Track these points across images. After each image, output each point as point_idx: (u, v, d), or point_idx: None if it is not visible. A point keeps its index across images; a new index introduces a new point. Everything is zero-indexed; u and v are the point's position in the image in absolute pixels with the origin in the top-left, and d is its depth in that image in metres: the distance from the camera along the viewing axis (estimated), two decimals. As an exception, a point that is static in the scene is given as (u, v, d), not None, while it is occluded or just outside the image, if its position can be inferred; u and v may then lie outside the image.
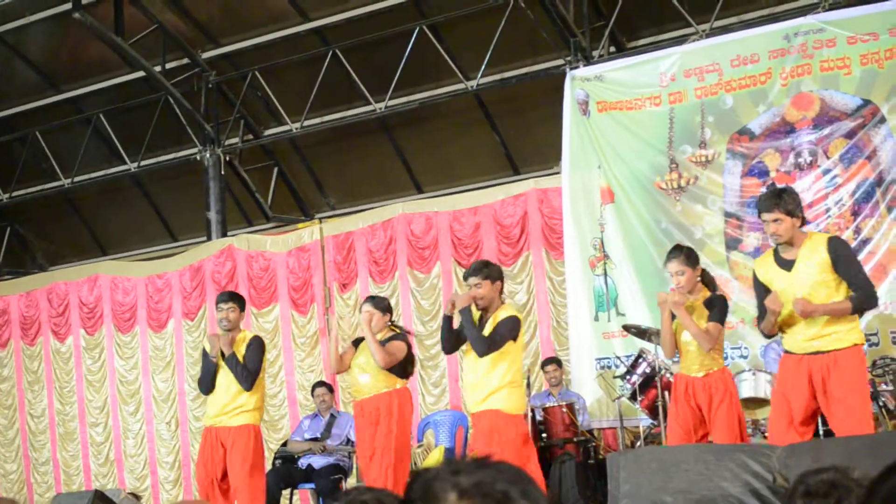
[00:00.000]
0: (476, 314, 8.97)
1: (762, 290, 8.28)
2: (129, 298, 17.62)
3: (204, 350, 10.22)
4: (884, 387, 10.19)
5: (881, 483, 2.22)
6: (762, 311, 8.21)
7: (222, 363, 9.96)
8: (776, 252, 8.26)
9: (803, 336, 7.97)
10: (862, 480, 3.08)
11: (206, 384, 10.04)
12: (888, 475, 2.22)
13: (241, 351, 9.96)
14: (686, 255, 8.96)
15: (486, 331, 8.87)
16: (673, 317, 8.89)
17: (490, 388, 8.94)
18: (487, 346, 8.81)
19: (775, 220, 7.98)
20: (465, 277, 9.13)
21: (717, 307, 8.91)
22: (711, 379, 8.88)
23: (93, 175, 18.90)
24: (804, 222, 8.07)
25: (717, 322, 8.83)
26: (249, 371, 9.88)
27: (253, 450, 9.90)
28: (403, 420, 9.87)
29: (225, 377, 9.96)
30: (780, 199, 7.97)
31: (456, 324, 9.07)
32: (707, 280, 9.13)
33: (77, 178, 18.64)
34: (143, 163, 18.06)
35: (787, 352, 8.20)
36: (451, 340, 9.23)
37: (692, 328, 8.72)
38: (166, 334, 17.22)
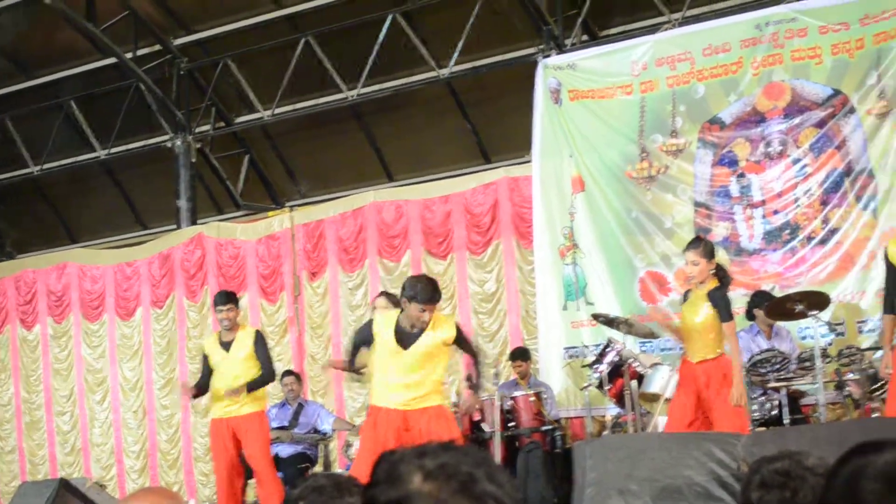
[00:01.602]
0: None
1: (890, 269, 8.82)
2: (98, 286, 17.54)
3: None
4: (850, 376, 10.23)
5: (843, 464, 2.22)
6: (889, 290, 8.83)
7: (226, 355, 10.57)
8: None
9: None
10: (816, 468, 3.07)
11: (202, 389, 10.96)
12: (848, 458, 2.22)
13: (248, 346, 10.57)
14: (704, 246, 9.39)
15: (432, 342, 9.02)
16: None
17: (432, 386, 9.17)
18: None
19: None
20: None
21: (722, 305, 9.32)
22: (709, 365, 9.23)
23: (63, 162, 18.78)
24: None
25: (728, 321, 9.31)
26: (267, 370, 10.68)
27: (267, 434, 10.78)
28: None
29: (228, 371, 10.56)
30: None
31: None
32: (721, 275, 9.47)
33: (46, 166, 18.52)
34: (113, 150, 17.96)
35: None
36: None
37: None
38: (134, 323, 17.15)
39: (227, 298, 10.78)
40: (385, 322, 9.13)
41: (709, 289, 9.32)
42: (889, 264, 8.94)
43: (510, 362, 13.01)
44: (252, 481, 11.23)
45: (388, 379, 9.09)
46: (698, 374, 9.33)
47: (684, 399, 9.46)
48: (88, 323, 17.55)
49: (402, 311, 9.01)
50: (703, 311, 9.33)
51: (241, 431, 10.55)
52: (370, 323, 9.36)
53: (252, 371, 10.60)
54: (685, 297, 9.70)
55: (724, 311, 9.29)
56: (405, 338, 9.01)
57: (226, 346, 10.64)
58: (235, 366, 10.59)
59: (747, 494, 3.20)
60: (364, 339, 9.33)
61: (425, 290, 8.89)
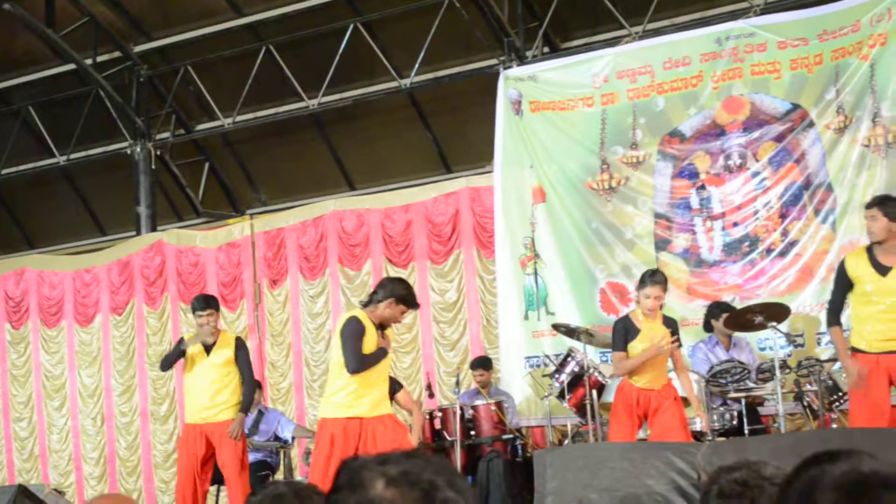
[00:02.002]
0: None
1: (846, 282, 9.15)
2: (56, 292, 17.46)
3: (181, 339, 11.02)
4: (808, 387, 10.31)
5: (797, 475, 2.25)
6: (838, 302, 9.23)
7: (202, 359, 10.61)
8: (870, 251, 8.84)
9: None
10: (774, 477, 3.09)
11: (167, 365, 10.96)
12: (803, 469, 2.25)
13: (228, 352, 10.66)
14: (665, 281, 9.84)
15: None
16: None
17: (385, 395, 9.36)
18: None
19: (871, 217, 8.68)
20: None
21: (678, 331, 9.91)
22: (665, 389, 9.71)
23: (21, 168, 18.69)
24: None
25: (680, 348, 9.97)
26: (248, 378, 10.83)
27: (242, 445, 10.69)
28: None
29: (205, 376, 10.61)
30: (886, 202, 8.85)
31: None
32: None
33: (5, 171, 18.42)
34: (72, 156, 17.88)
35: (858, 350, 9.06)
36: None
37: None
38: (93, 329, 17.08)
39: (207, 303, 10.75)
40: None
41: (659, 317, 9.84)
42: (844, 276, 9.11)
43: (471, 371, 13.02)
44: (215, 489, 11.25)
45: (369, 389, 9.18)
46: (650, 399, 9.63)
47: (628, 423, 9.71)
48: (47, 329, 17.46)
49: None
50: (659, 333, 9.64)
51: (216, 437, 10.56)
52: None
53: (229, 377, 10.64)
54: (633, 331, 9.80)
55: (677, 339, 9.88)
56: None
57: (206, 349, 10.64)
58: (213, 371, 10.63)
59: None
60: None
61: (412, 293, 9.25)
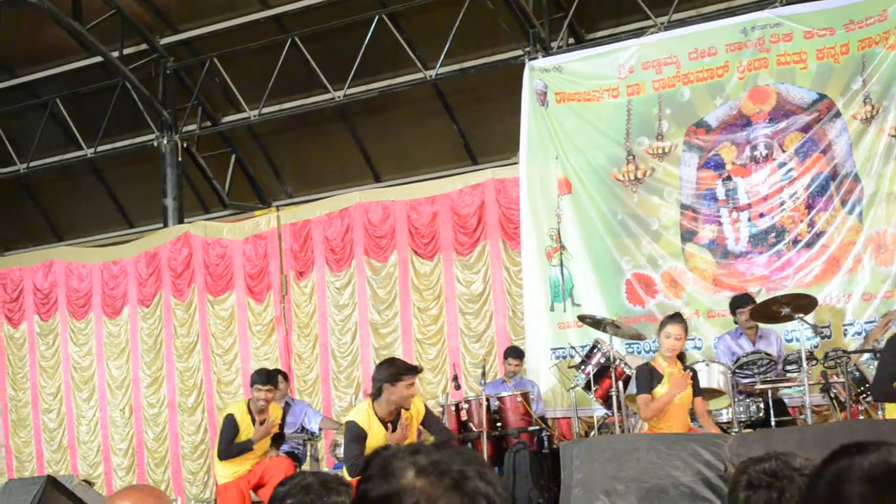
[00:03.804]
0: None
1: None
2: (84, 284, 17.53)
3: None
4: (835, 378, 10.29)
5: (826, 466, 2.25)
6: None
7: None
8: None
9: None
10: (804, 468, 3.08)
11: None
12: (832, 460, 2.25)
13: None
14: (686, 324, 9.82)
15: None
16: None
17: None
18: None
19: None
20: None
21: (698, 381, 9.81)
22: None
23: (48, 160, 18.77)
24: None
25: (700, 395, 9.79)
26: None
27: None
28: None
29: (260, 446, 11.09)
30: None
31: None
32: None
33: (33, 164, 18.52)
34: (99, 149, 17.95)
35: None
36: None
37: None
38: (121, 321, 17.14)
39: (269, 380, 11.03)
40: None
41: (679, 366, 9.73)
42: None
43: (506, 359, 13.00)
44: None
45: None
46: None
47: None
48: (75, 321, 17.54)
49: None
50: (687, 389, 9.63)
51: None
52: None
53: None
54: (658, 376, 9.65)
55: (697, 387, 9.76)
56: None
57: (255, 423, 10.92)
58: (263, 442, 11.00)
59: (734, 495, 3.21)
60: None
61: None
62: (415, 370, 9.04)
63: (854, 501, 2.15)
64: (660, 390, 9.50)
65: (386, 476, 2.05)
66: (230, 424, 10.73)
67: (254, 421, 10.75)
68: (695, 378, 9.69)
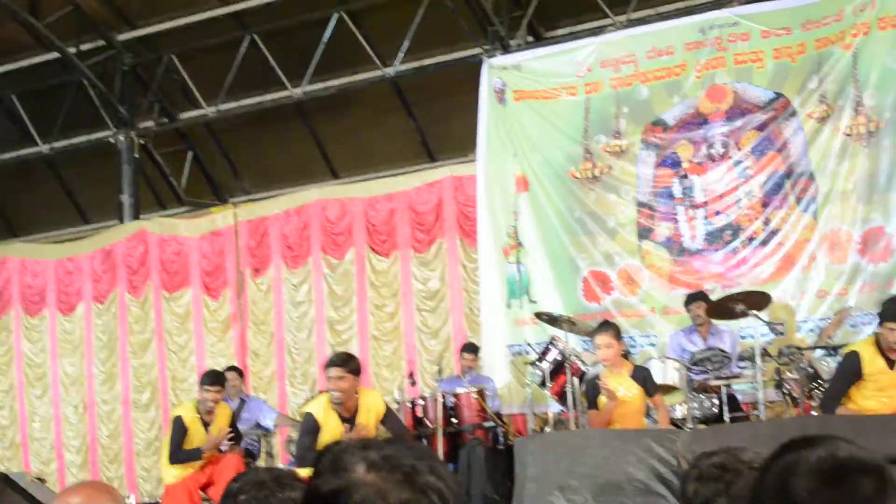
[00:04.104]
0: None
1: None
2: (39, 281, 17.42)
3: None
4: (789, 375, 10.35)
5: (775, 460, 2.27)
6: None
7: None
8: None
9: None
10: (753, 462, 3.12)
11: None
12: (782, 453, 2.27)
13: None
14: (615, 330, 9.62)
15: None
16: None
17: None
18: None
19: None
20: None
21: (651, 380, 9.67)
22: None
23: (4, 156, 18.61)
24: None
25: (657, 394, 9.66)
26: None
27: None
28: None
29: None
30: None
31: None
32: (624, 353, 10.02)
33: (-13, 159, 18.39)
34: (55, 145, 17.84)
35: None
36: None
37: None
38: (76, 318, 17.05)
39: (216, 380, 10.95)
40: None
41: (626, 371, 9.61)
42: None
43: (462, 354, 13.00)
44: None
45: None
46: None
47: None
48: (29, 317, 17.43)
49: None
50: (633, 393, 9.52)
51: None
52: None
53: None
54: (596, 388, 9.60)
55: (652, 386, 9.66)
56: None
57: (205, 426, 10.78)
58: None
59: (685, 487, 3.26)
60: None
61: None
62: (329, 364, 9.04)
63: (802, 495, 2.17)
64: (601, 401, 9.51)
65: (337, 471, 2.04)
66: (178, 427, 10.61)
67: (203, 423, 10.68)
68: (647, 377, 9.69)
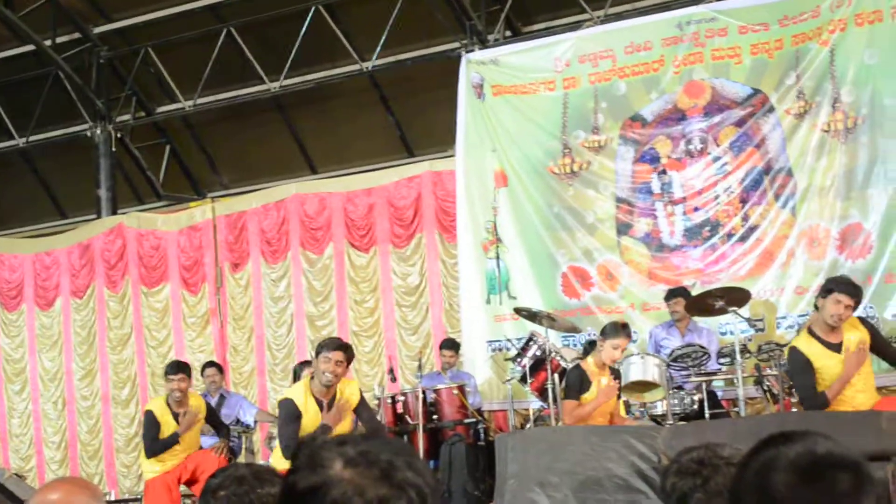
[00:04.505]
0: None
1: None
2: (16, 276, 17.35)
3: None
4: (768, 371, 10.37)
5: (754, 456, 2.27)
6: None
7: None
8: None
9: None
10: (732, 458, 3.15)
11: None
12: (759, 450, 2.27)
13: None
14: (629, 332, 9.73)
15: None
16: None
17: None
18: None
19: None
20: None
21: (620, 379, 9.80)
22: None
23: (-20, 150, 18.55)
24: None
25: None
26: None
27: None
28: None
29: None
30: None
31: None
32: None
33: (-36, 153, 18.30)
34: (31, 138, 17.76)
35: None
36: None
37: None
38: (54, 312, 16.99)
39: (179, 368, 10.82)
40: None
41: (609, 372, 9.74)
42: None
43: (442, 351, 13.01)
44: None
45: None
46: None
47: None
48: (7, 312, 17.36)
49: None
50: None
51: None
52: None
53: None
54: (587, 382, 9.61)
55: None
56: None
57: (177, 417, 10.70)
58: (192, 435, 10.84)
59: (664, 482, 3.29)
60: None
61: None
62: (331, 346, 9.05)
63: (780, 490, 2.18)
64: (587, 397, 9.52)
65: (314, 467, 2.04)
66: (150, 421, 10.57)
67: (174, 415, 10.64)
68: (618, 375, 9.78)
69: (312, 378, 9.15)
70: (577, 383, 9.59)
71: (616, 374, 9.78)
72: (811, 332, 8.72)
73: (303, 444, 2.12)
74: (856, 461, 2.21)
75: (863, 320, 8.98)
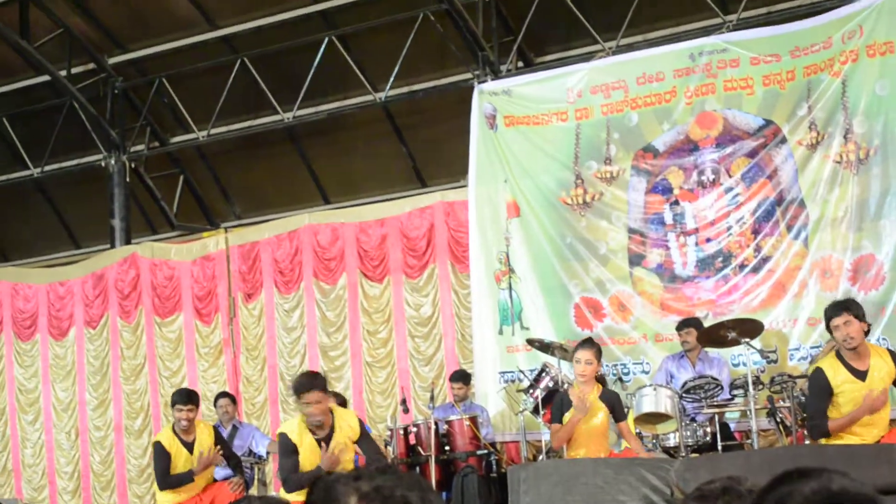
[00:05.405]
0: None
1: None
2: (30, 305, 17.38)
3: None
4: (781, 403, 10.34)
5: (768, 492, 2.27)
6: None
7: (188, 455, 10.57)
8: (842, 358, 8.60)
9: None
10: (753, 488, 3.14)
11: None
12: (775, 485, 2.27)
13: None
14: (598, 349, 9.75)
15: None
16: None
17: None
18: None
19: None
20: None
21: (620, 406, 9.76)
22: None
23: (-5, 180, 18.64)
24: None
25: (624, 420, 9.71)
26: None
27: None
28: None
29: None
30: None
31: None
32: (599, 377, 10.07)
33: (-22, 183, 18.37)
34: (46, 168, 17.84)
35: None
36: None
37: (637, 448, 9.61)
38: (67, 342, 17.01)
39: (190, 399, 10.65)
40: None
41: (596, 392, 9.68)
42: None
43: (451, 384, 13.00)
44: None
45: None
46: None
47: None
48: (20, 342, 17.39)
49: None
50: (599, 415, 9.58)
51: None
52: None
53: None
54: (567, 402, 9.63)
55: (620, 412, 9.73)
56: None
57: (187, 445, 10.60)
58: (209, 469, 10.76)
59: (685, 509, 3.27)
60: None
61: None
62: (303, 389, 8.86)
63: (794, 527, 2.17)
64: (566, 417, 9.53)
65: (329, 502, 2.04)
66: (160, 453, 10.42)
67: (183, 443, 10.58)
68: (616, 402, 9.70)
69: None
70: (558, 406, 9.67)
71: (609, 395, 9.71)
72: (839, 356, 8.69)
73: (318, 478, 2.13)
74: (870, 497, 2.21)
75: (893, 353, 8.88)
